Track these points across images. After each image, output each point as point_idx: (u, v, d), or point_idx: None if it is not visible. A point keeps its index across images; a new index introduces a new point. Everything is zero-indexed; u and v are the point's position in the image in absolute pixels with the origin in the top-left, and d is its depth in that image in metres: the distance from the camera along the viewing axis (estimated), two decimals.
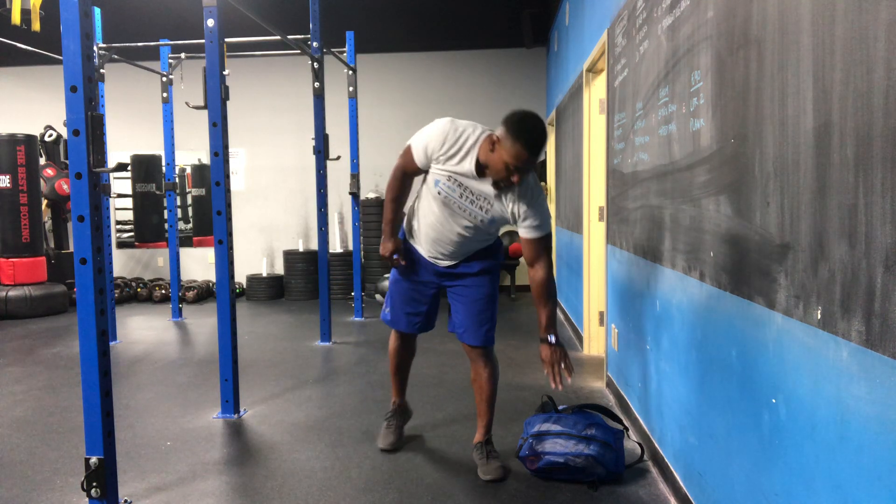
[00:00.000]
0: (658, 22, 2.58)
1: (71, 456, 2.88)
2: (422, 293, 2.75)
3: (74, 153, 2.11)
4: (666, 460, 2.51)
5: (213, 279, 7.35)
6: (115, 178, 6.83)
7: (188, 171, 8.60)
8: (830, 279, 1.28)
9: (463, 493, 2.48)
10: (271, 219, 8.19)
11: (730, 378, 1.86)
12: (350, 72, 6.08)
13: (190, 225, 8.77)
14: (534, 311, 2.56)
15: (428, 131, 2.48)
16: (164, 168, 6.45)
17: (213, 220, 3.25)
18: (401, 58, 8.05)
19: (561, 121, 6.26)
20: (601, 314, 4.42)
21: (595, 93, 4.51)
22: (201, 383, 4.01)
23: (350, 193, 6.20)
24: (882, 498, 1.13)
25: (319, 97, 5.04)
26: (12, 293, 6.40)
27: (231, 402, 3.33)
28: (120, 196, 6.17)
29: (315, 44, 4.99)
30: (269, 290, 7.62)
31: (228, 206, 3.26)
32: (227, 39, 3.56)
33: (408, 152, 2.53)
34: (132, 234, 7.88)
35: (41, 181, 6.79)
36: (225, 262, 3.24)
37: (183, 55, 6.13)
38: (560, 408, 2.65)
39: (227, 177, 3.24)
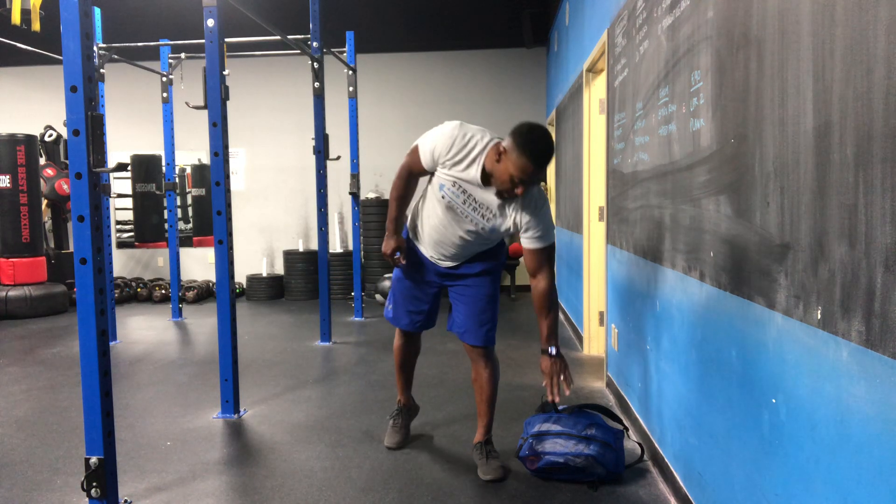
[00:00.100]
0: (658, 22, 2.58)
1: (71, 456, 2.88)
2: (424, 292, 2.75)
3: (74, 153, 2.11)
4: (666, 460, 2.51)
5: (213, 279, 7.35)
6: (115, 178, 6.83)
7: (188, 171, 8.60)
8: (830, 279, 1.28)
9: (463, 493, 2.48)
10: (271, 219, 8.19)
11: (730, 378, 1.86)
12: (350, 72, 6.08)
13: (190, 225, 8.77)
14: (534, 311, 2.55)
15: (436, 134, 2.46)
16: (164, 168, 6.45)
17: (213, 220, 3.25)
18: (401, 58, 8.05)
19: (561, 121, 6.26)
20: (601, 314, 4.42)
21: (595, 93, 4.51)
22: (201, 383, 4.01)
23: (350, 193, 6.20)
24: (882, 498, 1.13)
25: (319, 97, 5.04)
26: (12, 293, 6.39)
27: (231, 402, 3.33)
28: (120, 196, 6.17)
29: (315, 44, 4.99)
30: (269, 290, 7.62)
31: (228, 206, 3.26)
32: (227, 39, 3.56)
33: (415, 152, 2.52)
34: (132, 234, 7.88)
35: (41, 181, 6.79)
36: (225, 262, 3.24)
37: (183, 55, 6.14)
38: (560, 408, 2.65)
39: (227, 177, 3.24)
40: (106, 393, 2.21)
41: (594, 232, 4.56)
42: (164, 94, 6.15)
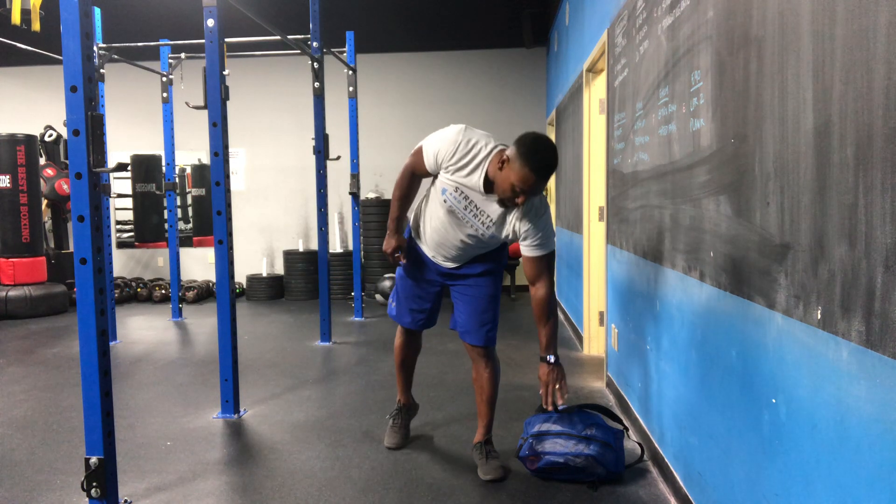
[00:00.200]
0: (658, 22, 2.58)
1: (71, 456, 2.88)
2: (426, 291, 2.76)
3: (74, 153, 2.11)
4: (666, 460, 2.51)
5: (213, 279, 7.35)
6: (115, 178, 6.83)
7: (188, 171, 8.60)
8: (830, 279, 1.28)
9: (463, 493, 2.48)
10: (271, 219, 8.19)
11: (730, 378, 1.86)
12: (350, 72, 6.08)
13: (190, 225, 8.77)
14: (534, 319, 2.55)
15: (440, 137, 2.45)
16: (164, 168, 6.45)
17: (213, 220, 3.25)
18: (401, 58, 8.04)
19: (561, 121, 6.26)
20: (601, 314, 4.42)
21: (595, 93, 4.51)
22: (201, 383, 4.01)
23: (350, 193, 6.20)
24: (882, 498, 1.13)
25: (319, 97, 5.04)
26: (12, 293, 6.39)
27: (231, 402, 3.33)
28: (120, 196, 6.17)
29: (315, 44, 4.99)
30: (269, 290, 7.62)
31: (228, 206, 3.26)
32: (227, 39, 3.56)
33: (418, 154, 2.51)
34: (132, 234, 7.88)
35: (41, 181, 6.79)
36: (225, 262, 3.24)
37: (183, 55, 6.13)
38: (560, 408, 2.65)
39: (227, 177, 3.24)
40: (106, 393, 2.21)
41: (594, 232, 4.56)
42: (164, 94, 6.15)
